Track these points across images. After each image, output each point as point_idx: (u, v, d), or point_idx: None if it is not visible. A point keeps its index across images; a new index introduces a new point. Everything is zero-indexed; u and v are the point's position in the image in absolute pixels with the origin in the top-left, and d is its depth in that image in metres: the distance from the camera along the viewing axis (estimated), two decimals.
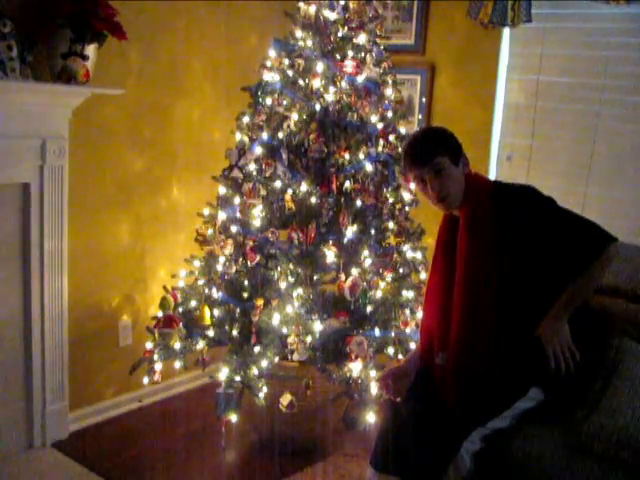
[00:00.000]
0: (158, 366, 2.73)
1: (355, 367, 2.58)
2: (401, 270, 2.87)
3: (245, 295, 2.78)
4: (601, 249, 2.02)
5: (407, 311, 2.81)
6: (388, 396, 2.23)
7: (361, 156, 2.71)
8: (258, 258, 2.71)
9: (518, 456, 2.02)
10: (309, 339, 2.57)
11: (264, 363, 2.57)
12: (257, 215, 2.71)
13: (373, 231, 2.78)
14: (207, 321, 2.74)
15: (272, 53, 2.82)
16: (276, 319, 2.59)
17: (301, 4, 2.80)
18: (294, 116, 2.71)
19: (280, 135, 2.72)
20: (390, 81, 2.88)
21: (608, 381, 2.07)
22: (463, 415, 2.00)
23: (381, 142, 2.82)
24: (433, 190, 2.07)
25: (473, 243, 2.07)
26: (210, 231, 2.86)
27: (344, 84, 2.72)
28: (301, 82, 2.75)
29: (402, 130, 2.91)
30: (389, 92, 2.87)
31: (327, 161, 2.69)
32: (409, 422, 2.08)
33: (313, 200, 2.65)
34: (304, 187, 2.66)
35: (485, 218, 2.06)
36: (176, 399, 3.37)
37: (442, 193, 2.07)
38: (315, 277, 2.71)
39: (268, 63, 2.82)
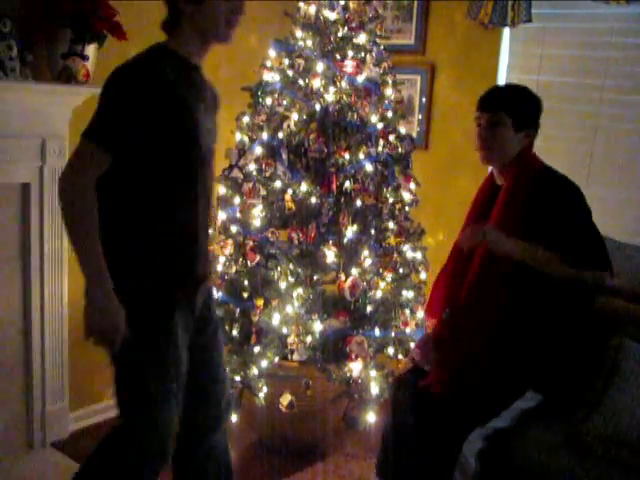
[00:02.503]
0: None
1: (355, 367, 2.58)
2: (401, 270, 2.87)
3: (245, 295, 2.78)
4: (595, 267, 2.02)
5: (407, 311, 2.81)
6: (420, 365, 2.24)
7: (361, 156, 2.71)
8: (258, 258, 2.72)
9: (520, 455, 2.02)
10: (309, 339, 2.58)
11: (264, 363, 2.57)
12: (257, 215, 2.71)
13: (373, 231, 2.78)
14: None
15: (272, 53, 2.82)
16: (276, 319, 2.59)
17: (301, 4, 2.80)
18: (294, 116, 2.71)
19: (280, 135, 2.72)
20: (390, 81, 2.88)
21: (608, 381, 2.07)
22: (459, 409, 2.00)
23: (381, 142, 2.82)
24: (479, 136, 2.13)
25: (505, 215, 2.08)
26: (210, 231, 2.85)
27: (344, 84, 2.72)
28: (301, 82, 2.75)
29: (402, 130, 2.91)
30: (389, 92, 2.87)
31: (327, 161, 2.69)
32: (410, 428, 2.09)
33: (313, 200, 2.65)
34: (304, 187, 2.66)
35: (523, 197, 2.06)
36: None
37: (485, 144, 2.12)
38: (315, 277, 2.71)
39: (268, 63, 2.82)
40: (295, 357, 2.56)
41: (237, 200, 2.75)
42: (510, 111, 2.09)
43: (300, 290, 2.62)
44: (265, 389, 2.58)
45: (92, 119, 1.62)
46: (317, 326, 2.59)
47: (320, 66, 2.69)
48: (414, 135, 3.25)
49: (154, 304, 1.71)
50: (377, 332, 2.72)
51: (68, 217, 1.59)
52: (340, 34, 2.77)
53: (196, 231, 1.76)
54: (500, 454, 2.05)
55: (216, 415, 1.94)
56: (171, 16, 1.71)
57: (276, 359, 2.61)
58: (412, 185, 2.88)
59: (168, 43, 1.72)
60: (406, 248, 2.88)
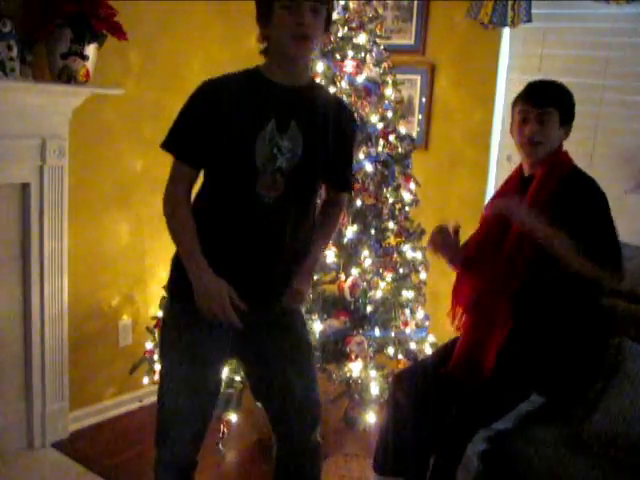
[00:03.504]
0: (158, 366, 2.73)
1: (355, 367, 2.58)
2: (401, 270, 2.86)
3: None
4: (608, 268, 2.03)
5: (407, 311, 2.81)
6: (434, 251, 2.31)
7: (361, 156, 2.71)
8: None
9: (523, 457, 2.02)
10: None
11: None
12: None
13: (373, 231, 2.77)
14: None
15: None
16: None
17: None
18: None
19: None
20: (390, 81, 2.88)
21: (608, 381, 2.07)
22: (464, 411, 2.02)
23: (381, 142, 2.82)
24: (530, 132, 2.12)
25: (532, 207, 2.09)
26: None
27: (344, 84, 2.72)
28: None
29: (402, 130, 2.91)
30: (389, 92, 2.87)
31: None
32: (410, 422, 2.10)
33: None
34: None
35: (552, 194, 2.08)
36: None
37: (535, 139, 2.12)
38: (315, 277, 2.71)
39: None
40: None
41: None
42: (559, 106, 2.11)
43: None
44: None
45: None
46: (317, 326, 2.59)
47: (320, 66, 2.69)
48: (414, 135, 3.25)
49: (176, 307, 1.89)
50: (377, 332, 2.72)
51: (168, 227, 1.83)
52: (340, 34, 2.76)
53: (231, 249, 1.81)
54: (502, 455, 2.06)
55: (291, 426, 1.97)
56: (262, 40, 1.80)
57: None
58: (412, 185, 2.88)
59: (261, 64, 1.82)
60: (406, 248, 2.88)
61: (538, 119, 2.10)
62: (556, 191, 2.07)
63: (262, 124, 1.73)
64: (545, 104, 2.10)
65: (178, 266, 1.82)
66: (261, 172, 1.74)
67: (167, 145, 1.81)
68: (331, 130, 1.83)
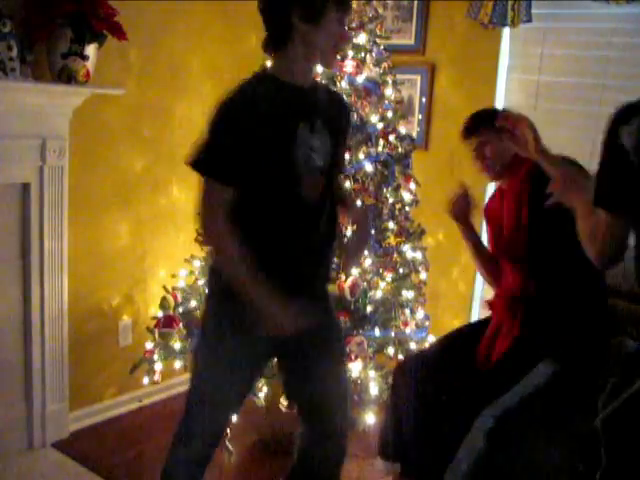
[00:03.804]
0: (158, 366, 2.73)
1: (355, 367, 2.58)
2: (401, 270, 2.86)
3: None
4: None
5: (407, 311, 2.81)
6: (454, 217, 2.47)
7: (361, 156, 2.71)
8: None
9: (525, 437, 2.04)
10: None
11: None
12: None
13: (373, 231, 2.77)
14: None
15: None
16: None
17: None
18: None
19: None
20: (390, 81, 2.88)
21: (608, 381, 2.07)
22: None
23: (381, 142, 2.82)
24: (479, 159, 2.36)
25: (518, 207, 2.26)
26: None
27: (344, 84, 2.72)
28: None
29: (402, 130, 2.91)
30: (389, 92, 2.87)
31: None
32: (409, 412, 2.23)
33: None
34: None
35: (522, 193, 2.22)
36: (176, 399, 3.36)
37: (485, 162, 2.35)
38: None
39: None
40: None
41: None
42: (486, 125, 2.27)
43: None
44: (265, 389, 2.57)
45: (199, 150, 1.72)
46: None
47: (320, 66, 2.69)
48: (414, 135, 3.25)
49: (221, 312, 1.86)
50: (377, 332, 2.72)
51: (218, 260, 1.80)
52: None
53: (278, 254, 1.78)
54: (507, 434, 2.06)
55: (325, 428, 1.98)
56: (279, 34, 1.70)
57: (276, 359, 2.60)
58: (412, 185, 2.88)
59: (271, 67, 1.80)
60: (406, 248, 2.87)
61: (478, 147, 2.33)
62: (532, 186, 2.18)
63: (295, 128, 1.72)
64: (474, 131, 2.33)
65: (227, 296, 1.76)
66: (304, 175, 1.75)
67: (204, 168, 1.70)
68: (341, 122, 1.89)
